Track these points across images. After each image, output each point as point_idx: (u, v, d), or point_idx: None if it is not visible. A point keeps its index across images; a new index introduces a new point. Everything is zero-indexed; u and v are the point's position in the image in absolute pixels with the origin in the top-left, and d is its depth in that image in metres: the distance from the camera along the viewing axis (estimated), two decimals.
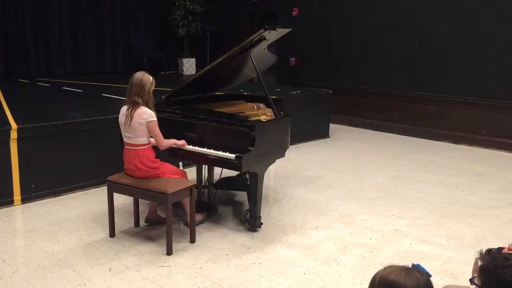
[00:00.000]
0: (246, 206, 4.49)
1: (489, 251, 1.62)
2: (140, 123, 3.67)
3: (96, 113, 5.50)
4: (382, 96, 8.62)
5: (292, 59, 9.99)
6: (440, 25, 7.74)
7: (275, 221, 4.41)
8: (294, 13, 9.81)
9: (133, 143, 3.74)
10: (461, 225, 4.39)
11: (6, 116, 5.20)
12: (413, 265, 1.51)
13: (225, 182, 4.89)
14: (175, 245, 3.77)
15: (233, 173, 4.55)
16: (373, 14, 8.59)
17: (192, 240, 3.91)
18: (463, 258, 3.71)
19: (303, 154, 6.92)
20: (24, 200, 4.78)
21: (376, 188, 5.41)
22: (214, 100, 4.97)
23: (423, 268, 1.49)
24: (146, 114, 3.67)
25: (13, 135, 4.67)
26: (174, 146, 3.96)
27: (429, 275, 1.48)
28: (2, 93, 7.07)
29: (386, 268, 1.49)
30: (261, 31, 4.01)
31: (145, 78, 3.73)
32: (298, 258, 3.70)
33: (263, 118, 4.37)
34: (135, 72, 3.82)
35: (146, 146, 3.78)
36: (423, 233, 4.19)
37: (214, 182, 4.75)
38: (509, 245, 2.02)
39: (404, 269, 1.46)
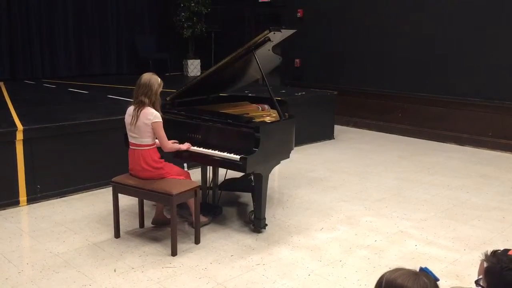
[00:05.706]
0: (251, 207, 4.49)
1: (494, 252, 1.61)
2: (146, 123, 3.68)
3: (102, 115, 5.53)
4: (387, 98, 8.60)
5: (297, 60, 9.99)
6: (445, 26, 7.72)
7: (280, 222, 4.42)
8: (298, 14, 9.81)
9: (138, 143, 3.76)
10: (467, 227, 4.37)
11: (12, 117, 5.23)
12: (421, 268, 1.49)
13: (229, 183, 4.89)
14: (179, 246, 3.78)
15: (237, 174, 4.55)
16: (378, 16, 8.57)
17: (197, 241, 3.91)
18: (468, 260, 3.70)
19: (308, 155, 6.92)
20: (30, 200, 4.80)
21: (381, 190, 5.40)
22: (219, 101, 4.98)
23: (430, 272, 1.47)
24: (152, 115, 3.68)
25: (19, 136, 4.69)
26: (178, 150, 3.98)
27: (437, 279, 1.46)
28: (8, 94, 7.11)
29: (393, 271, 1.46)
30: (266, 32, 4.01)
31: (153, 79, 3.76)
32: (303, 259, 3.70)
33: (267, 119, 4.37)
34: (140, 73, 3.85)
35: (151, 147, 3.79)
36: (428, 235, 4.18)
37: (219, 183, 4.76)
38: None
39: (412, 273, 1.43)
